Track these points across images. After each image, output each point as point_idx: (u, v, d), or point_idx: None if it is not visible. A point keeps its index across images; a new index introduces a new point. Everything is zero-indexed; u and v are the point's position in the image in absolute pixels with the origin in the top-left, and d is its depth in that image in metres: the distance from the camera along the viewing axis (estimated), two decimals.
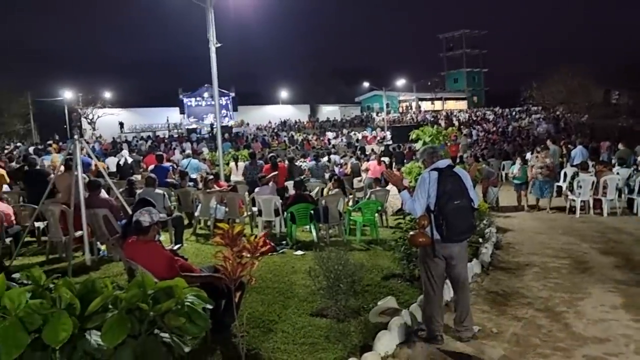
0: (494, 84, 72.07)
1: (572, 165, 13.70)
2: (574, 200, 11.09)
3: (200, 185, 12.06)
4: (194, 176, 12.65)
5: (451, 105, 64.88)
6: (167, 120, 48.14)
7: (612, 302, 5.37)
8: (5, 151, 27.55)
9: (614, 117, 32.84)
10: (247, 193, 10.63)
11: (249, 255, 3.84)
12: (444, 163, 4.32)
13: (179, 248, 7.62)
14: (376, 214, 9.34)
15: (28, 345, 2.52)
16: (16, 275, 3.96)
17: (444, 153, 9.79)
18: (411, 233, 4.52)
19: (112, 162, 16.63)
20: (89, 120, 45.37)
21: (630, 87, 32.98)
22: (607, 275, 6.39)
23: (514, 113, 49.48)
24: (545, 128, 35.29)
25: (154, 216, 4.18)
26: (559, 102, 35.22)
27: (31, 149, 23.51)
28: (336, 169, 15.88)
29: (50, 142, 27.83)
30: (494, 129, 38.97)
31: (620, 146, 14.34)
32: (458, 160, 15.62)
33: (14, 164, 15.94)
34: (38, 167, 10.31)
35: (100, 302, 2.88)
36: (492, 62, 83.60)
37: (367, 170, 14.43)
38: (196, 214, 9.67)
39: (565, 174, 13.12)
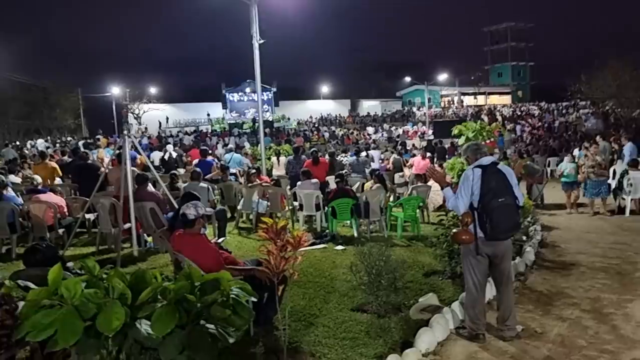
0: (540, 78, 69.77)
1: (623, 163, 13.14)
2: (623, 199, 10.68)
3: (241, 179, 12.28)
4: (233, 171, 12.87)
5: (494, 100, 63.36)
6: (208, 115, 49.04)
7: None
8: (57, 145, 28.79)
9: None
10: (288, 187, 10.74)
11: (291, 250, 3.91)
12: (487, 160, 4.26)
13: (222, 241, 7.79)
14: (417, 210, 9.27)
15: (83, 333, 2.65)
16: (70, 265, 4.18)
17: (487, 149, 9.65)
18: (454, 230, 4.49)
19: (157, 157, 17.12)
20: (135, 115, 46.79)
21: None
22: None
23: (560, 108, 47.85)
24: (594, 123, 33.96)
25: (199, 209, 4.30)
26: (608, 96, 33.77)
27: (80, 143, 24.46)
28: (374, 165, 15.81)
29: (99, 136, 28.85)
30: (540, 124, 37.83)
31: None
32: (500, 157, 15.29)
33: (66, 157, 16.64)
34: (89, 161, 10.73)
35: (150, 293, 3.00)
36: (538, 56, 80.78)
37: (411, 165, 14.32)
38: (239, 207, 9.86)
39: (614, 172, 12.62)
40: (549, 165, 18.58)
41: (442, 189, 4.45)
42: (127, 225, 7.31)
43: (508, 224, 4.12)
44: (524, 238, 7.82)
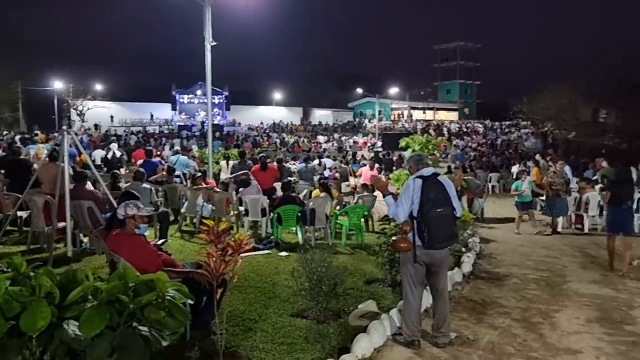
0: (486, 97, 72.74)
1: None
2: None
3: (187, 182, 12.05)
4: (178, 173, 12.61)
5: (442, 115, 65.32)
6: (151, 116, 47.87)
7: (587, 316, 5.47)
8: None
9: (601, 135, 33.27)
10: (234, 192, 10.63)
11: (232, 253, 3.87)
12: (428, 171, 4.38)
13: (163, 243, 7.60)
14: (362, 219, 9.40)
15: (5, 332, 2.52)
16: None
17: (432, 162, 9.92)
18: (393, 238, 4.59)
19: (98, 155, 16.53)
20: (78, 112, 45.01)
21: (618, 106, 33.42)
22: (584, 289, 6.50)
23: (503, 127, 49.97)
24: (533, 143, 35.68)
25: (129, 209, 4.18)
26: (547, 117, 35.60)
27: (17, 138, 23.26)
28: (326, 173, 15.94)
29: (37, 131, 27.55)
30: (484, 141, 39.34)
31: (603, 164, 14.56)
32: (446, 171, 15.78)
33: (0, 151, 15.79)
34: (22, 157, 10.24)
35: (80, 292, 2.89)
36: (485, 75, 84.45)
37: (359, 175, 14.52)
38: (182, 210, 9.67)
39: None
40: (490, 181, 19.31)
41: (384, 197, 4.54)
42: (61, 224, 7.01)
43: (445, 234, 4.25)
44: (463, 249, 8.09)
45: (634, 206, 8.06)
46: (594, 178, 13.17)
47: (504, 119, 49.98)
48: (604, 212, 10.73)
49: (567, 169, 13.17)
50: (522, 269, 7.60)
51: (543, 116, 35.84)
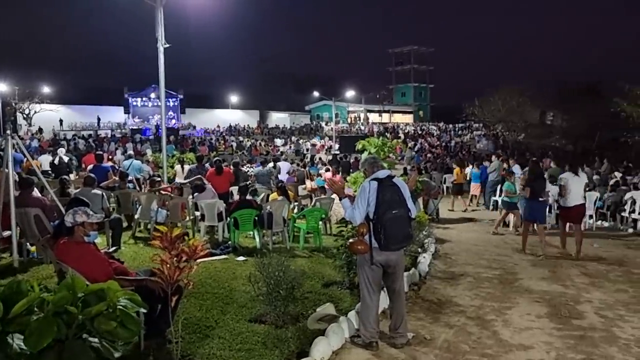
0: (440, 100, 74.56)
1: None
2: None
3: (145, 187, 11.77)
4: (131, 178, 12.29)
5: (398, 118, 66.45)
6: (98, 120, 46.44)
7: (538, 312, 5.66)
8: None
9: (548, 137, 34.67)
10: (190, 197, 10.44)
11: (187, 259, 3.80)
12: (384, 173, 4.44)
13: (115, 251, 7.38)
14: (320, 222, 9.41)
15: None
16: None
17: (388, 165, 10.06)
18: (350, 240, 4.61)
19: (45, 160, 15.89)
20: (24, 116, 43.17)
21: (563, 109, 34.94)
22: (534, 286, 6.73)
23: (457, 129, 51.32)
24: (485, 144, 36.79)
25: (77, 217, 4.03)
26: (498, 120, 36.83)
27: None
28: (283, 176, 15.88)
29: None
30: (438, 143, 40.24)
31: (551, 165, 15.16)
32: (402, 173, 16.06)
33: None
34: None
35: (25, 305, 2.77)
36: (438, 79, 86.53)
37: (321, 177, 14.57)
38: (136, 216, 9.42)
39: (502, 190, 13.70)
40: (444, 182, 19.74)
41: (340, 200, 4.56)
42: (6, 233, 6.69)
43: (401, 235, 4.31)
44: (419, 250, 8.23)
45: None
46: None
47: (457, 122, 51.38)
48: (552, 211, 11.18)
49: (516, 167, 13.62)
50: (476, 267, 7.80)
51: (494, 119, 37.06)
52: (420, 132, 49.31)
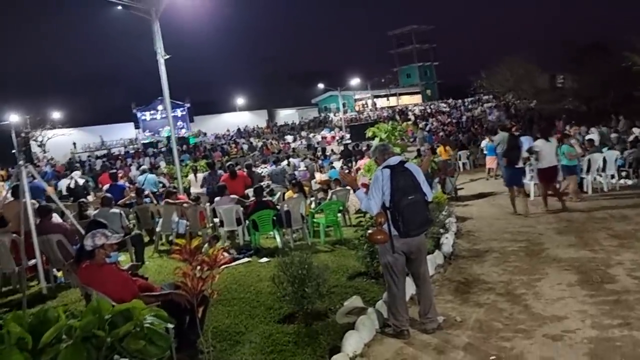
0: (446, 77, 73.56)
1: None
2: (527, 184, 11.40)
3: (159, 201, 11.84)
4: (147, 192, 12.35)
5: (406, 100, 65.88)
6: (102, 140, 46.64)
7: (568, 280, 5.57)
8: None
9: (561, 100, 34.03)
10: (208, 204, 10.49)
11: (208, 269, 3.80)
12: (395, 160, 4.38)
13: (139, 266, 7.45)
14: (339, 214, 9.38)
15: None
16: None
17: (401, 148, 9.97)
18: (369, 231, 4.57)
19: (64, 185, 16.08)
20: (38, 143, 43.79)
21: (572, 70, 34.27)
22: (562, 254, 6.62)
23: (466, 104, 50.71)
24: (496, 116, 36.31)
25: (97, 239, 4.06)
26: (507, 89, 36.31)
27: None
28: (297, 173, 15.87)
29: None
30: (449, 120, 39.84)
31: (566, 127, 14.90)
32: (416, 155, 15.95)
33: None
34: None
35: (54, 333, 2.79)
36: (442, 55, 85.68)
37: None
38: (157, 229, 9.49)
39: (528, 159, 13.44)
40: (460, 159, 19.56)
41: (354, 192, 4.52)
42: (32, 262, 6.79)
43: (419, 220, 4.26)
44: (441, 231, 8.16)
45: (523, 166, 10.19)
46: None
47: (466, 96, 50.76)
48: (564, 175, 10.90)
49: (525, 140, 13.35)
50: (501, 242, 7.70)
51: (503, 88, 36.57)
52: (430, 112, 48.88)
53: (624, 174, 12.54)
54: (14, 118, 41.41)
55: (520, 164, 9.86)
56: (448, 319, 4.75)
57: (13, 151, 7.79)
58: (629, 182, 12.44)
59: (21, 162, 6.77)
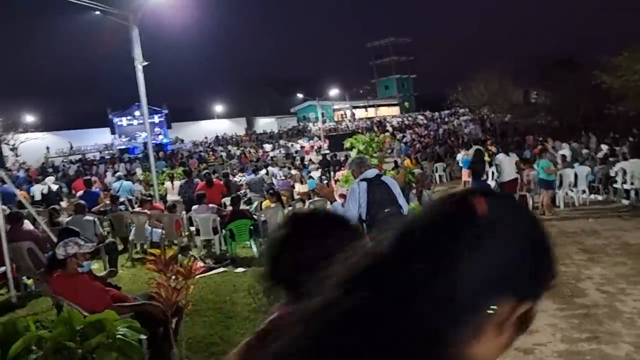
0: (423, 89, 74.69)
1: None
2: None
3: (136, 207, 11.70)
4: (122, 199, 12.20)
5: (384, 111, 66.49)
6: (71, 146, 45.64)
7: None
8: None
9: (534, 115, 34.77)
10: (184, 212, 10.40)
11: (183, 279, 3.78)
12: (372, 173, 4.43)
13: (116, 272, 7.33)
14: None
15: None
16: None
17: (378, 160, 10.09)
18: None
19: (37, 190, 15.77)
20: (10, 147, 42.82)
21: (544, 86, 35.11)
22: None
23: (443, 116, 51.43)
24: (472, 129, 36.90)
25: (69, 248, 3.99)
26: (482, 103, 36.93)
27: None
28: (276, 182, 15.83)
29: None
30: (426, 132, 40.34)
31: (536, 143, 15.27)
32: (393, 166, 16.09)
33: None
34: None
35: (22, 345, 2.74)
36: (420, 68, 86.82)
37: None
38: (131, 238, 9.35)
39: (492, 174, 13.75)
40: (436, 171, 19.79)
41: (330, 204, 4.56)
42: (1, 269, 6.62)
43: None
44: None
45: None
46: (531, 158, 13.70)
47: (442, 109, 51.48)
48: (540, 189, 11.18)
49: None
50: None
51: (478, 102, 37.15)
52: (407, 124, 49.42)
53: (594, 189, 12.89)
54: None
55: (484, 177, 10.57)
56: None
57: None
58: (599, 197, 12.78)
59: None
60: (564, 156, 13.46)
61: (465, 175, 15.85)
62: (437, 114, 53.82)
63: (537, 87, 37.51)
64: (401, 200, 4.42)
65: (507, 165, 10.18)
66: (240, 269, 7.63)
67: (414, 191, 12.34)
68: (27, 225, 7.37)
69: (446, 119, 49.30)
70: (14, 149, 42.75)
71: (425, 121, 50.35)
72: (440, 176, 19.77)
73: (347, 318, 0.63)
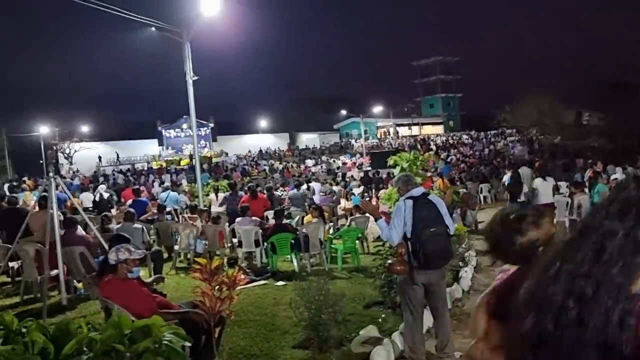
0: (469, 108, 73.61)
1: None
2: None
3: (180, 218, 11.99)
4: (168, 209, 12.53)
5: (428, 130, 65.90)
6: (117, 156, 47.14)
7: None
8: None
9: (586, 137, 33.64)
10: (227, 224, 10.57)
11: (227, 290, 3.83)
12: (418, 191, 4.39)
13: (164, 279, 7.51)
14: (357, 241, 9.36)
15: None
16: None
17: (422, 179, 9.99)
18: (389, 261, 4.57)
19: (87, 198, 16.38)
20: (65, 155, 44.84)
21: (598, 108, 33.96)
22: None
23: (489, 136, 50.43)
24: (520, 150, 36.00)
25: (120, 254, 4.13)
26: (531, 124, 36.06)
27: (6, 187, 23.00)
28: (317, 198, 15.86)
29: (25, 178, 27.34)
30: (471, 152, 39.63)
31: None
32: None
33: None
34: (18, 206, 10.11)
35: (75, 345, 2.83)
36: (466, 87, 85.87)
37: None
38: (176, 247, 9.57)
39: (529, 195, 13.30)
40: (481, 192, 19.39)
41: (375, 220, 4.53)
42: (54, 272, 6.90)
43: (440, 253, 4.24)
44: (460, 264, 8.06)
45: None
46: (583, 181, 13.25)
47: (488, 129, 50.53)
48: None
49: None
50: None
51: (527, 123, 36.33)
52: (452, 143, 48.72)
53: None
54: (43, 130, 42.66)
55: (522, 198, 10.55)
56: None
57: (41, 161, 8.04)
58: None
59: (51, 174, 6.95)
60: (616, 180, 12.93)
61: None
62: (482, 133, 52.82)
63: (589, 109, 36.29)
64: (448, 219, 4.35)
65: (544, 188, 10.46)
66: (280, 282, 7.68)
67: (458, 211, 12.15)
68: (80, 230, 7.67)
69: (492, 139, 48.28)
70: (68, 157, 44.78)
71: (470, 141, 49.49)
72: (484, 197, 19.36)
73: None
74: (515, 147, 38.18)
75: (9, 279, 8.27)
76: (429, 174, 13.48)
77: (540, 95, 34.29)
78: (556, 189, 11.42)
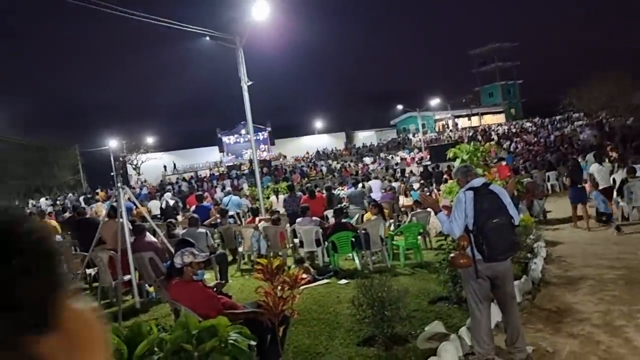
0: (531, 95, 70.72)
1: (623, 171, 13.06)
2: (625, 207, 10.63)
3: (245, 221, 12.24)
4: (232, 213, 12.84)
5: (488, 119, 63.89)
6: (174, 166, 48.56)
7: None
8: (58, 202, 28.87)
9: None
10: (288, 225, 10.70)
11: (289, 289, 3.86)
12: (478, 182, 4.25)
13: (223, 285, 7.70)
14: (419, 237, 9.21)
15: None
16: None
17: (485, 170, 9.69)
18: (451, 255, 4.45)
19: (154, 206, 17.10)
20: (133, 166, 47.06)
21: None
22: None
23: (554, 122, 48.17)
24: (589, 134, 34.13)
25: (185, 257, 4.26)
26: (600, 107, 34.15)
27: (81, 199, 24.43)
28: (374, 195, 15.71)
29: (98, 190, 28.93)
30: (535, 139, 38.00)
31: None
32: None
33: (66, 214, 16.66)
34: (88, 216, 10.74)
35: (147, 346, 2.95)
36: (526, 73, 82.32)
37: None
38: (240, 249, 9.79)
39: (614, 180, 12.57)
40: (548, 180, 18.57)
41: (435, 214, 4.43)
42: (127, 277, 7.24)
43: (505, 244, 4.08)
44: (529, 255, 7.75)
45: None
46: None
47: (553, 115, 48.30)
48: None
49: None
50: (597, 269, 7.18)
51: (595, 106, 34.44)
52: (514, 131, 46.94)
53: None
54: (112, 144, 44.96)
55: (582, 183, 10.99)
56: (538, 350, 4.48)
57: (112, 174, 8.48)
58: None
59: (119, 184, 7.29)
60: None
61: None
62: (547, 120, 50.51)
63: None
64: (512, 209, 4.17)
65: (600, 174, 10.70)
66: (343, 281, 7.67)
67: (524, 201, 11.68)
68: (149, 237, 8.00)
69: (558, 125, 46.07)
70: (136, 168, 46.96)
71: (533, 128, 47.47)
72: (552, 185, 18.52)
73: None
74: (584, 132, 36.28)
75: (86, 285, 8.74)
76: (492, 165, 13.07)
77: (606, 75, 32.40)
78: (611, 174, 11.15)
